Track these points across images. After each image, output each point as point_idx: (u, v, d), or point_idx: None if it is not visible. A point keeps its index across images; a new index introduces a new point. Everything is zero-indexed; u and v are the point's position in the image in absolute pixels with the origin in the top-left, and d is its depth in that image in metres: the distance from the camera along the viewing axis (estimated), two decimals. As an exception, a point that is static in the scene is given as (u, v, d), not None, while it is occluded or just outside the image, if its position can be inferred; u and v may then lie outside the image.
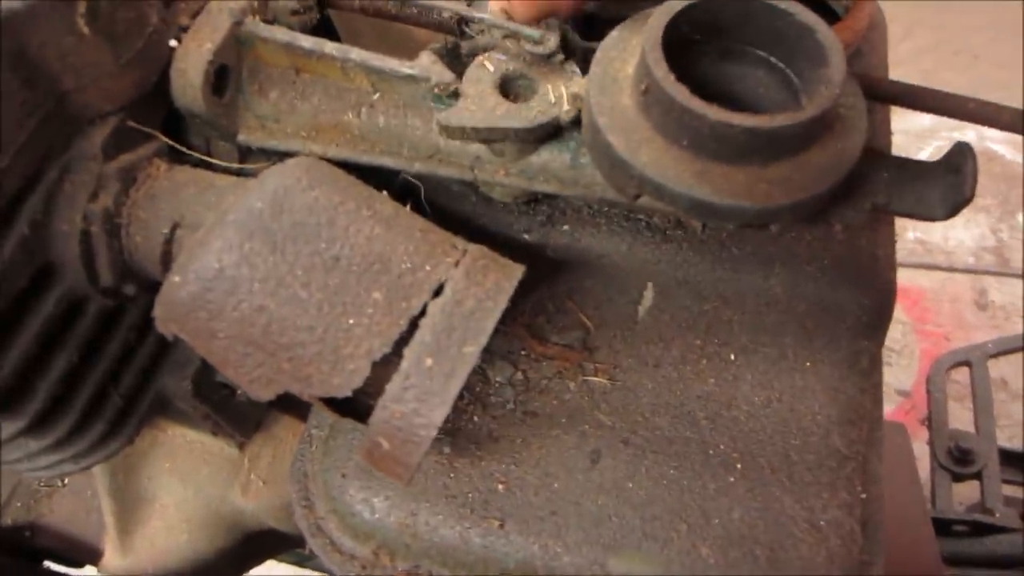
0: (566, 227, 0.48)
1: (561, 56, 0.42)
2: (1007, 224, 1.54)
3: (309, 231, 0.38)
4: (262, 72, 0.45)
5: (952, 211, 0.39)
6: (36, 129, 0.36)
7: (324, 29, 0.53)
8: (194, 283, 0.37)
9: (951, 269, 1.51)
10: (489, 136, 0.42)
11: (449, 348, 0.36)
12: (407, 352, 0.36)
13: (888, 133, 0.56)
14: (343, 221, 0.38)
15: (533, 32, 0.41)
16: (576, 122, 0.41)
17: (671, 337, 0.48)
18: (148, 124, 0.42)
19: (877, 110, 0.57)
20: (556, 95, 0.41)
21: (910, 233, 1.58)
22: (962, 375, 1.17)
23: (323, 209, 0.38)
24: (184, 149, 0.43)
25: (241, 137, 0.45)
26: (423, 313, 0.38)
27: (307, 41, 0.43)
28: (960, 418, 1.18)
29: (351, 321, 0.37)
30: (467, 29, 0.45)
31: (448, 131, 0.43)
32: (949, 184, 0.39)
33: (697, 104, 0.35)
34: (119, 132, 0.39)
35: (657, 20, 0.37)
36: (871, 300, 0.46)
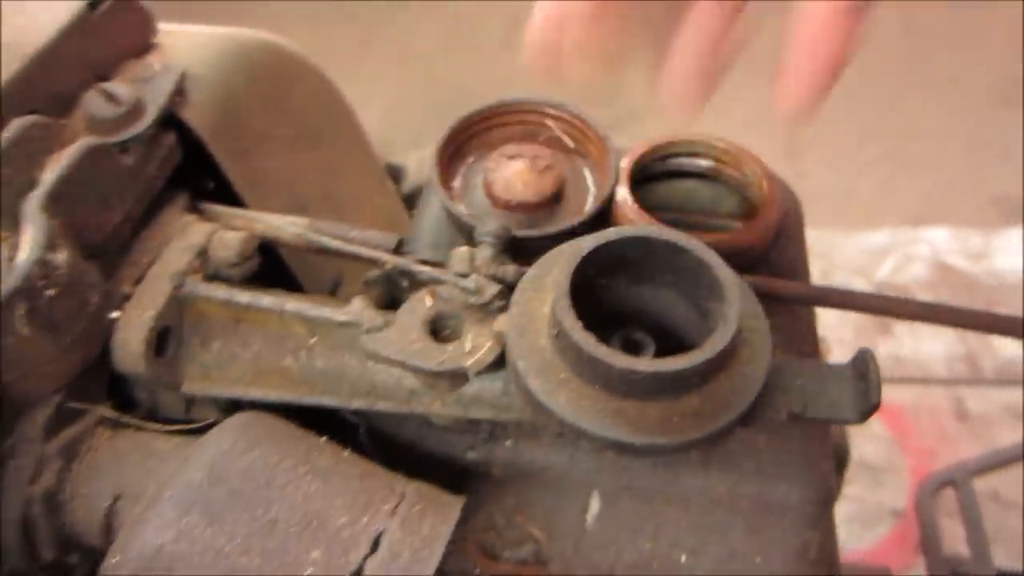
0: (508, 442, 0.50)
1: (500, 303, 0.44)
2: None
3: (247, 497, 0.39)
4: (204, 325, 0.47)
5: (863, 416, 0.41)
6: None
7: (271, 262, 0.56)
8: (134, 562, 0.37)
9: (926, 381, 1.53)
10: (403, 369, 0.44)
11: (387, 607, 0.36)
12: (347, 614, 0.37)
13: (806, 273, 0.59)
14: (280, 481, 0.40)
15: (469, 284, 0.44)
16: (498, 362, 0.43)
17: (622, 542, 0.49)
18: (91, 392, 0.44)
19: (792, 248, 0.61)
20: (474, 343, 0.43)
21: (881, 349, 1.60)
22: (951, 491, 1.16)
23: (260, 471, 0.40)
24: (123, 418, 0.45)
25: (185, 387, 0.47)
26: (363, 568, 0.38)
27: (244, 296, 0.46)
28: (957, 536, 1.16)
29: (291, 585, 0.37)
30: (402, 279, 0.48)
31: (368, 354, 0.45)
32: (859, 390, 0.41)
33: (603, 352, 0.37)
34: (61, 410, 0.41)
35: (564, 267, 0.40)
36: (811, 493, 0.47)
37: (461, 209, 0.58)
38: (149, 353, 0.44)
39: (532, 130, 0.64)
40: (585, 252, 0.40)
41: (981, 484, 1.14)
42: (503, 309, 0.45)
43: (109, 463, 0.42)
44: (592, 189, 0.62)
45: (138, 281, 0.46)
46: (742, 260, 0.58)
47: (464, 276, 0.46)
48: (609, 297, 0.45)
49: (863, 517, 1.41)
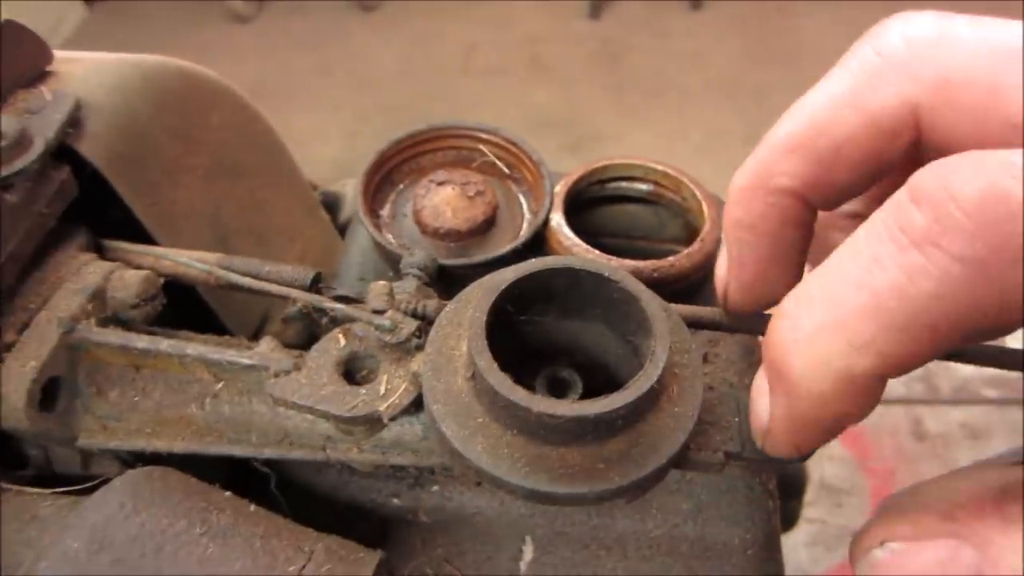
0: (435, 488, 0.47)
1: (418, 341, 0.41)
2: None
3: (132, 566, 0.35)
4: (100, 373, 0.44)
5: (805, 455, 0.39)
6: None
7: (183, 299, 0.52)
8: (2, 645, 0.34)
9: (884, 401, 1.52)
10: (310, 413, 0.41)
11: None
12: None
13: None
14: (172, 546, 0.36)
15: (384, 321, 0.41)
16: (416, 404, 0.40)
17: (559, 591, 0.46)
18: (-32, 453, 0.40)
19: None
20: (389, 385, 0.40)
21: None
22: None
23: (149, 536, 0.36)
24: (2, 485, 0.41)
25: (81, 442, 0.43)
26: (265, 640, 0.35)
27: (142, 341, 0.42)
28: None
29: (180, 665, 0.34)
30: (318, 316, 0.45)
31: (275, 400, 0.41)
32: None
33: (520, 396, 0.34)
34: (-74, 477, 0.37)
35: (481, 302, 0.37)
36: (753, 534, 0.45)
37: (387, 239, 0.55)
38: (32, 407, 0.40)
39: (465, 155, 0.61)
40: (504, 285, 0.38)
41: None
42: (420, 347, 0.43)
43: (-17, 532, 0.38)
44: (528, 215, 0.59)
45: (24, 328, 0.42)
46: (683, 286, 0.56)
47: (380, 313, 0.43)
48: (534, 332, 0.42)
49: (826, 540, 1.39)
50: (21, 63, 0.48)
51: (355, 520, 0.46)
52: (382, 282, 0.46)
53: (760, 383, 0.33)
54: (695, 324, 0.42)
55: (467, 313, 0.40)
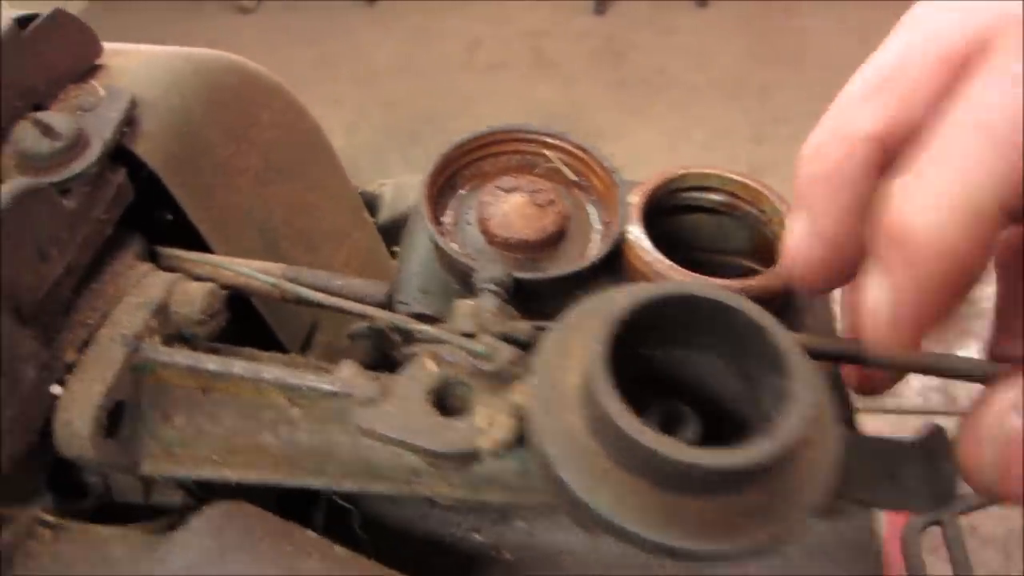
0: (521, 523, 0.44)
1: (515, 370, 0.38)
2: None
3: (221, 620, 0.32)
4: (165, 396, 0.40)
5: (937, 504, 0.36)
6: None
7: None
8: None
9: (901, 411, 1.51)
10: (402, 447, 0.38)
11: None
12: None
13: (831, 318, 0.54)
14: (262, 597, 0.33)
15: (479, 347, 0.38)
16: (518, 441, 0.37)
17: (651, 635, 0.43)
18: (27, 487, 0.36)
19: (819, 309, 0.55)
20: (488, 420, 0.37)
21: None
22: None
23: (237, 586, 0.33)
24: (64, 523, 0.37)
25: (144, 469, 0.40)
26: None
27: (213, 362, 0.39)
28: (942, 569, 1.13)
29: None
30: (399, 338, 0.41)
31: (362, 432, 0.38)
32: (931, 474, 0.36)
33: (663, 445, 0.31)
34: (-12, 516, 0.33)
35: (599, 333, 0.34)
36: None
37: (456, 249, 0.51)
38: (99, 435, 0.36)
39: (529, 160, 0.58)
40: (623, 315, 0.35)
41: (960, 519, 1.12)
42: (517, 376, 0.39)
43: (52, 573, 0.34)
44: (597, 226, 0.56)
45: (84, 346, 0.38)
46: (768, 309, 0.52)
47: (470, 336, 0.40)
48: (637, 360, 0.39)
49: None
50: (71, 56, 0.44)
51: (433, 555, 0.43)
52: (467, 301, 0.42)
53: (867, 281, 0.34)
54: (817, 355, 0.39)
55: (574, 341, 0.37)
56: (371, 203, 0.78)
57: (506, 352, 0.38)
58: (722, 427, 0.38)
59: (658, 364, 0.39)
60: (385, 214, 0.78)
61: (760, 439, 0.31)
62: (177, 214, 0.48)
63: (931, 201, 0.30)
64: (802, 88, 3.07)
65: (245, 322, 0.53)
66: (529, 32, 3.34)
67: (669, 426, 0.38)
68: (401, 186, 0.80)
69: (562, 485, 0.33)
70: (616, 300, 0.37)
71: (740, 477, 0.32)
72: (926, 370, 0.40)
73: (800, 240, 0.38)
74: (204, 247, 0.49)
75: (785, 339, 0.34)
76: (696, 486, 0.32)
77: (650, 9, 3.41)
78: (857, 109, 0.35)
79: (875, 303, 0.34)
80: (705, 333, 0.37)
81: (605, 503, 0.32)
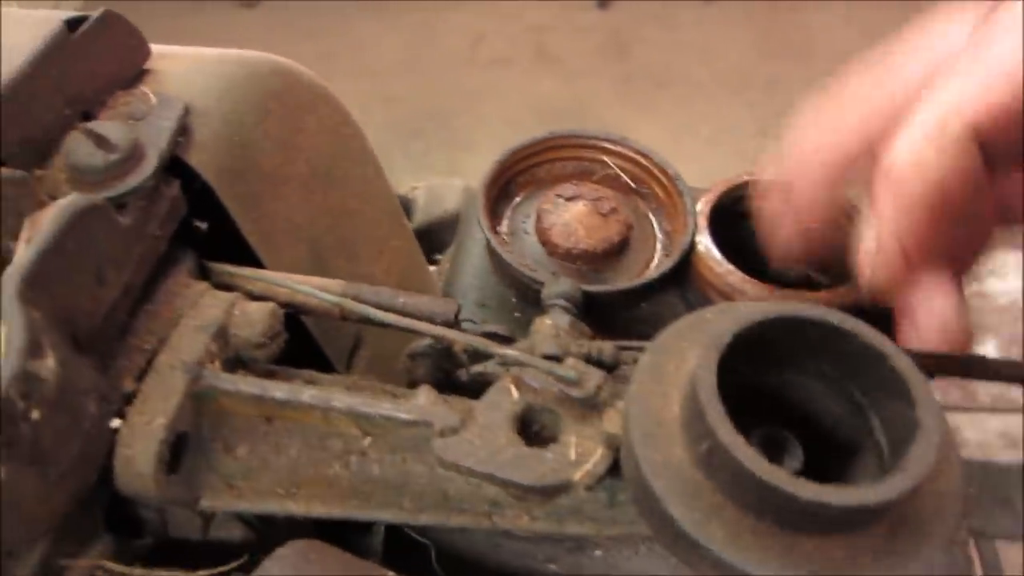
0: (598, 553, 0.41)
1: (603, 395, 0.36)
2: None
3: (308, 675, 0.29)
4: (227, 425, 0.38)
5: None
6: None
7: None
8: None
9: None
10: (489, 481, 0.35)
11: None
12: None
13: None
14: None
15: (568, 372, 0.35)
16: (612, 470, 0.35)
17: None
18: (85, 527, 0.34)
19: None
20: (579, 449, 0.35)
21: None
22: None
23: (323, 637, 0.30)
24: (126, 571, 0.34)
25: (205, 503, 0.37)
26: None
27: (280, 390, 0.37)
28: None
29: None
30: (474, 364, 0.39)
31: (444, 464, 0.36)
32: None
33: (783, 480, 0.28)
34: (47, 566, 0.31)
35: (705, 359, 0.32)
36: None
37: (522, 262, 0.49)
38: (161, 472, 0.34)
39: (586, 167, 0.55)
40: (729, 338, 0.32)
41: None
42: (606, 402, 0.37)
43: (116, 628, 0.32)
44: (659, 235, 0.54)
45: (142, 374, 0.36)
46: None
47: (554, 359, 0.38)
48: (733, 383, 0.37)
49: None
50: (120, 60, 0.42)
51: (507, 588, 0.41)
52: (547, 321, 0.40)
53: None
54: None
55: (668, 366, 0.35)
56: (404, 208, 0.76)
57: (595, 377, 0.36)
58: (822, 453, 0.36)
59: (756, 386, 0.37)
60: (419, 218, 0.76)
61: (892, 474, 0.29)
62: (223, 226, 0.45)
63: (908, 134, 0.34)
64: (808, 82, 3.03)
65: (293, 338, 0.50)
66: (533, 27, 3.31)
67: (770, 453, 0.36)
68: (434, 189, 0.77)
69: (669, 521, 0.31)
70: (718, 323, 0.34)
71: (869, 515, 0.30)
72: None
73: (880, 246, 0.38)
74: (244, 259, 0.47)
75: (906, 364, 0.32)
76: (819, 524, 0.30)
77: (654, 4, 3.38)
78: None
79: (868, 241, 0.37)
80: (809, 355, 0.35)
81: (718, 541, 0.30)
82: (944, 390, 1.54)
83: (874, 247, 0.37)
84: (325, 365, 0.54)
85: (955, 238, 0.37)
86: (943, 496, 0.31)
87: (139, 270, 0.37)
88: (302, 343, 0.52)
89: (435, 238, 0.73)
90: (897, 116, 0.35)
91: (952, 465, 0.32)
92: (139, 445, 0.34)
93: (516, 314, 0.50)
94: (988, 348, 1.65)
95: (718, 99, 3.04)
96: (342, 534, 0.45)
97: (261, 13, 3.44)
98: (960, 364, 0.40)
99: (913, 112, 0.35)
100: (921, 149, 0.34)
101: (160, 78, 0.43)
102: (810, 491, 0.28)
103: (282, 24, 3.32)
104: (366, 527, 0.49)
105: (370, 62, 3.16)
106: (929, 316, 0.38)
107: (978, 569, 1.07)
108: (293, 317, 0.50)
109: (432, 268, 0.73)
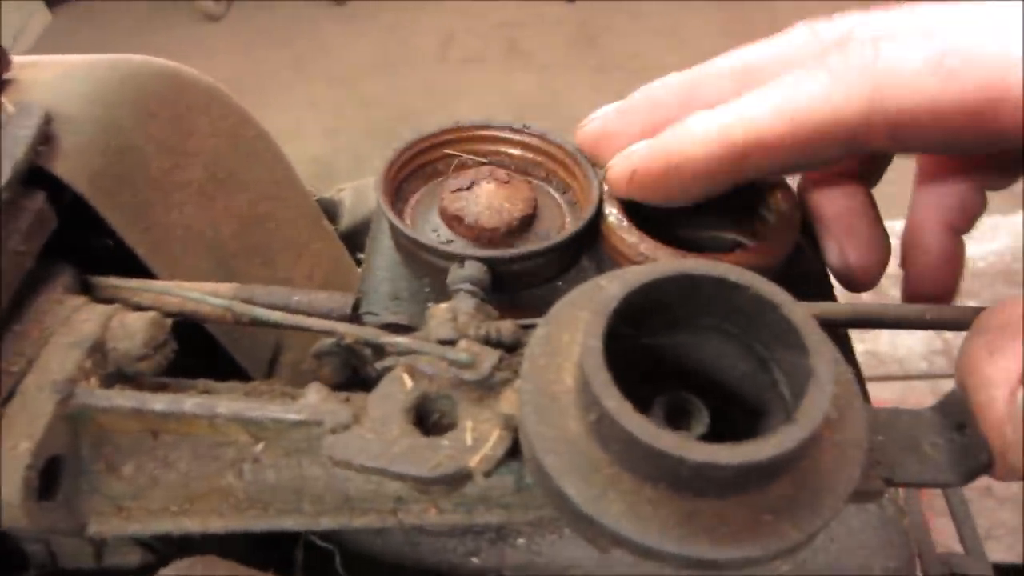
0: (521, 540, 0.40)
1: (502, 376, 0.34)
2: None
3: None
4: (109, 444, 0.35)
5: (967, 478, 0.33)
6: None
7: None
8: None
9: (907, 377, 1.49)
10: (383, 476, 0.33)
11: None
12: None
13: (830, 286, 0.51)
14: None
15: (460, 355, 0.34)
16: (511, 453, 0.33)
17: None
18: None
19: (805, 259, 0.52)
20: (476, 433, 0.33)
21: (859, 347, 1.55)
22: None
23: (205, 657, 0.28)
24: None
25: (92, 529, 0.35)
26: None
27: (159, 402, 0.34)
28: (950, 534, 1.11)
29: None
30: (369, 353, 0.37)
31: (336, 463, 0.34)
32: (956, 444, 0.33)
33: (671, 444, 0.27)
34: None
35: (592, 326, 0.30)
36: (895, 561, 0.39)
37: (430, 237, 0.47)
38: (31, 500, 0.32)
39: (490, 158, 0.54)
40: (615, 304, 0.31)
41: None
42: (505, 382, 0.35)
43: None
44: (566, 209, 0.52)
45: (8, 399, 0.34)
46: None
47: (450, 343, 0.36)
48: (633, 350, 0.35)
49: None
50: (-28, 71, 0.39)
51: (429, 587, 0.39)
52: (443, 305, 0.38)
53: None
54: (827, 324, 0.35)
55: (562, 338, 0.33)
56: (331, 210, 0.74)
57: (490, 357, 0.34)
58: (732, 413, 0.35)
59: (656, 351, 0.35)
60: (346, 220, 0.74)
61: (784, 426, 0.28)
62: (114, 238, 0.43)
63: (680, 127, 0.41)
64: None
65: (203, 351, 0.48)
66: (502, 24, 3.31)
67: (676, 419, 0.34)
68: (360, 190, 0.75)
69: (565, 499, 0.29)
70: (606, 288, 0.33)
71: (765, 471, 0.28)
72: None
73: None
74: (147, 273, 0.44)
75: (799, 313, 0.30)
76: (717, 486, 0.28)
77: (621, -6, 3.40)
78: None
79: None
80: (707, 314, 0.34)
81: (614, 515, 0.28)
82: (930, 359, 1.53)
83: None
84: (245, 378, 0.52)
85: None
86: (844, 446, 0.30)
87: (3, 290, 0.35)
88: (217, 357, 0.50)
89: (363, 239, 0.71)
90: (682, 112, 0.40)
91: (855, 412, 0.31)
92: (4, 474, 0.31)
93: (429, 304, 0.48)
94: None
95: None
96: (273, 544, 0.43)
97: (228, 24, 3.41)
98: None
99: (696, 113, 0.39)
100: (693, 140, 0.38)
101: (23, 87, 0.41)
102: (698, 453, 0.27)
103: (251, 33, 3.30)
104: (294, 536, 0.47)
105: (342, 67, 3.13)
106: None
107: (952, 522, 1.06)
108: (206, 332, 0.48)
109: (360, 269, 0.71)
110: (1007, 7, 0.33)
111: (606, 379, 0.29)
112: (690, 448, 0.27)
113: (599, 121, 0.45)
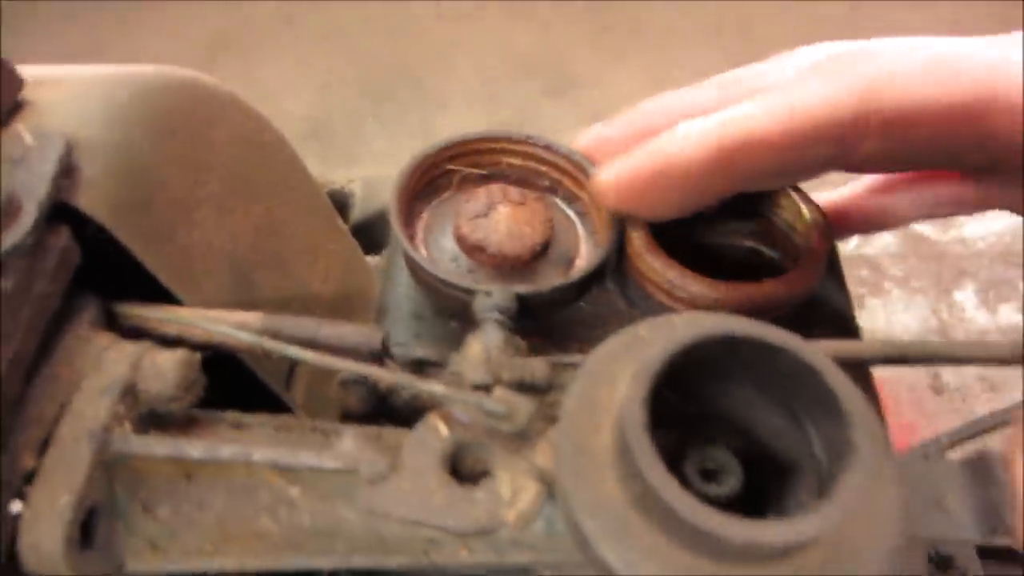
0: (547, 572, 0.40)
1: (537, 425, 0.34)
2: (945, 304, 1.55)
3: None
4: (145, 487, 0.36)
5: (991, 535, 0.33)
6: None
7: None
8: None
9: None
10: (421, 526, 0.34)
11: None
12: None
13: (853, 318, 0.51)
14: None
15: (497, 407, 0.34)
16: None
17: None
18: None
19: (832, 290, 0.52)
20: (511, 487, 0.33)
21: None
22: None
23: None
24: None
25: (129, 569, 0.36)
26: None
27: (196, 448, 0.35)
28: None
29: None
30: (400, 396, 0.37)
31: (374, 514, 0.34)
32: (980, 500, 0.34)
33: (715, 523, 0.27)
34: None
35: (634, 390, 0.30)
36: None
37: (449, 273, 0.47)
38: (74, 552, 0.32)
39: (498, 170, 0.53)
40: (658, 365, 0.31)
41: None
42: (539, 431, 0.36)
43: None
44: (580, 227, 0.52)
45: (43, 448, 0.34)
46: (779, 312, 0.49)
47: (484, 388, 0.36)
48: (667, 400, 0.35)
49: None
50: (-12, 98, 0.38)
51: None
52: (476, 345, 0.38)
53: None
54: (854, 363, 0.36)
55: (599, 393, 0.34)
56: (341, 203, 0.73)
57: (526, 408, 0.35)
58: (760, 463, 0.35)
59: (691, 397, 0.35)
60: (357, 214, 0.73)
61: (825, 504, 0.28)
62: (130, 262, 0.42)
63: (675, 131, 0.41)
64: (783, 22, 2.99)
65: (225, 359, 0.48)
66: None
67: (708, 474, 0.35)
68: (371, 182, 0.74)
69: (602, 563, 0.30)
70: (647, 343, 0.33)
71: (802, 545, 0.29)
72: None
73: None
74: (167, 295, 0.44)
75: (840, 382, 0.31)
76: (754, 558, 0.29)
77: (628, -50, 3.28)
78: None
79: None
80: (747, 370, 0.34)
81: (655, 582, 0.29)
82: (923, 337, 1.55)
83: None
84: (261, 388, 0.52)
85: None
86: (879, 510, 0.31)
87: (29, 336, 0.34)
88: (237, 368, 0.50)
89: (375, 233, 0.71)
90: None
91: (887, 478, 0.31)
92: (46, 527, 0.32)
93: (452, 324, 0.48)
94: (967, 293, 1.66)
95: (693, 45, 2.97)
96: None
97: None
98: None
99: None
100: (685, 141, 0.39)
101: (38, 110, 0.40)
102: (742, 532, 0.27)
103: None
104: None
105: (335, 22, 3.03)
106: None
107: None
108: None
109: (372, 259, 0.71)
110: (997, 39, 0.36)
111: (650, 453, 0.29)
112: (733, 527, 0.27)
113: (592, 134, 0.47)
